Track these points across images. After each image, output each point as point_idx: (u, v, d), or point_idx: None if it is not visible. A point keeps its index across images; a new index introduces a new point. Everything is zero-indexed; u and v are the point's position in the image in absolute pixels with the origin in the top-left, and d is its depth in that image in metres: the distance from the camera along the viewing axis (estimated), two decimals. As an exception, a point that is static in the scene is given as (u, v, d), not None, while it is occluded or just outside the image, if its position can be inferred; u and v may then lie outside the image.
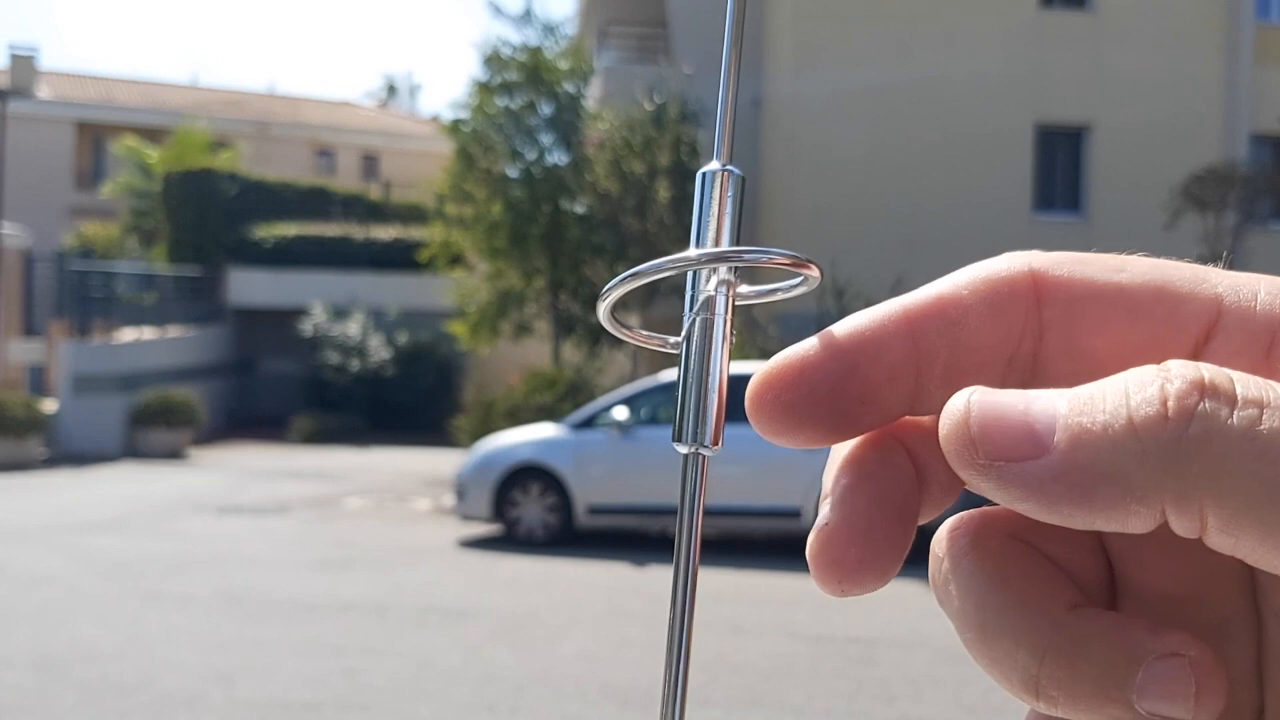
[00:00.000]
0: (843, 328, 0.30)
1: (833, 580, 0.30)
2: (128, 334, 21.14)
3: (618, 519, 10.46)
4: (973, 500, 0.31)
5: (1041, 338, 0.29)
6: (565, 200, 17.99)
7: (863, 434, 0.30)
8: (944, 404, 0.28)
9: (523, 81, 18.27)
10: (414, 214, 26.19)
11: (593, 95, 19.35)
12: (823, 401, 0.30)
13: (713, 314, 0.32)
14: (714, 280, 0.32)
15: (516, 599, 8.07)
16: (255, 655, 6.25)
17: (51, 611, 7.31)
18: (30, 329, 22.36)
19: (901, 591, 8.58)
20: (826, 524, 0.30)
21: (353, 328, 23.35)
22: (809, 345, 0.30)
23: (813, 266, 0.32)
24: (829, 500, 0.30)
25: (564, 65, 18.46)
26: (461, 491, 10.76)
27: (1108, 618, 0.30)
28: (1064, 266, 0.30)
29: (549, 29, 18.87)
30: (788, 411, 0.30)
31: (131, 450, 18.46)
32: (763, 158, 17.98)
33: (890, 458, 0.31)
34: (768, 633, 7.03)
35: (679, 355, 0.33)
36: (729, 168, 0.33)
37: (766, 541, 10.43)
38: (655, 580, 8.73)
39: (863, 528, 0.29)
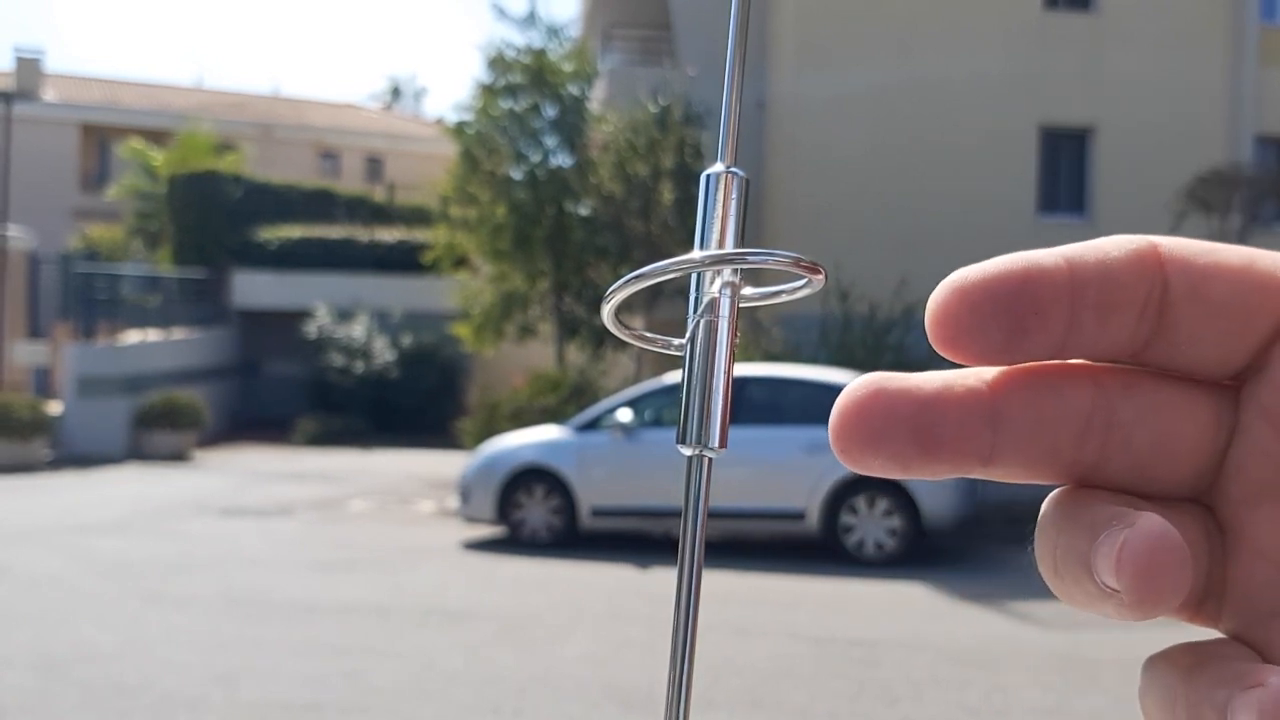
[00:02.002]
0: (1010, 255, 0.32)
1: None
2: (132, 336, 21.17)
3: (621, 521, 10.46)
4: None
5: (1167, 287, 0.31)
6: (569, 202, 18.00)
7: (1028, 360, 0.31)
8: (1100, 337, 0.31)
9: (527, 84, 18.28)
10: (418, 216, 26.20)
11: (596, 97, 19.35)
12: (1003, 307, 0.31)
13: (717, 316, 0.32)
14: (718, 282, 0.32)
15: (519, 600, 8.07)
16: (257, 656, 6.26)
17: (53, 612, 7.32)
18: (35, 331, 22.39)
19: (904, 593, 8.57)
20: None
21: (357, 330, 23.37)
22: (987, 263, 0.31)
23: (817, 268, 0.32)
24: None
25: (568, 67, 18.47)
26: (465, 493, 10.76)
27: (1101, 494, 0.32)
28: (1173, 239, 0.33)
29: (553, 31, 18.88)
30: (973, 311, 0.31)
31: (136, 452, 18.48)
32: (766, 160, 17.97)
33: None
34: (770, 634, 7.02)
35: (683, 357, 0.33)
36: (733, 170, 0.33)
37: (770, 543, 10.43)
38: (658, 582, 8.73)
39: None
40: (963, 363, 0.32)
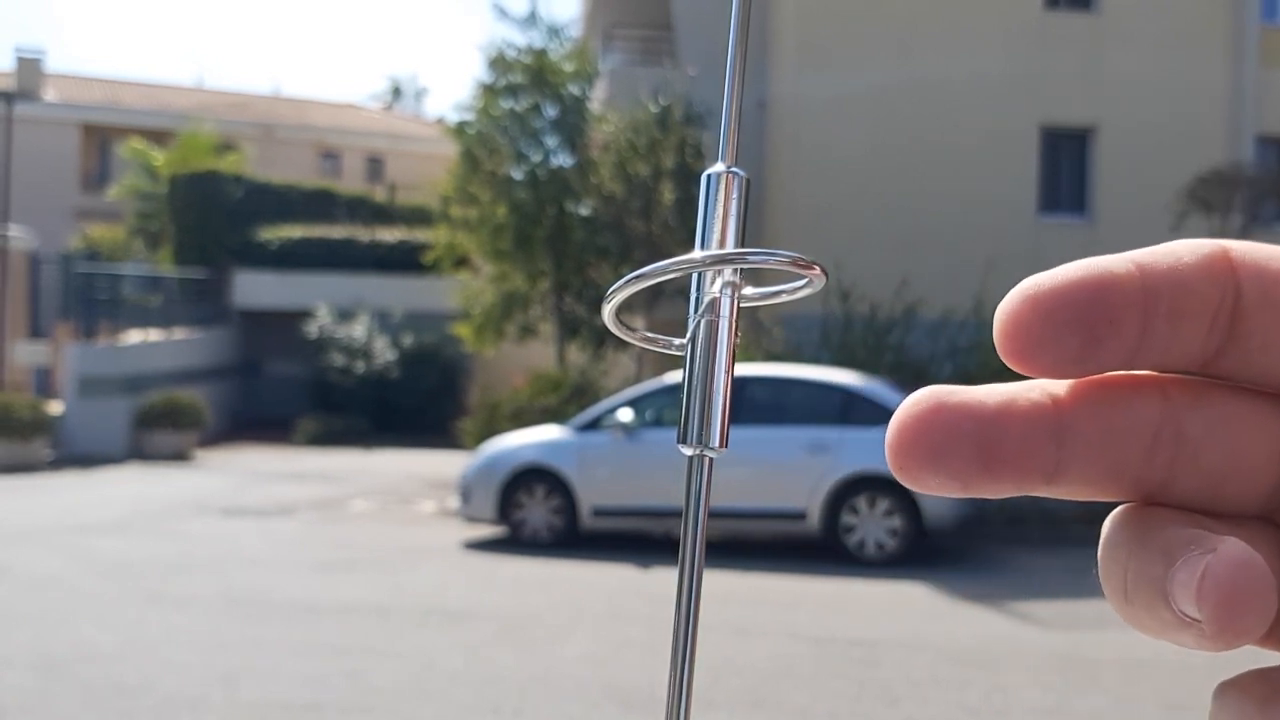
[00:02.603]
0: (1081, 261, 0.31)
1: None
2: (133, 336, 21.18)
3: (622, 521, 10.46)
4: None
5: (1240, 294, 0.30)
6: (570, 202, 17.99)
7: (1099, 372, 0.30)
8: (1171, 347, 0.30)
9: (527, 84, 18.28)
10: (419, 216, 26.22)
11: (597, 97, 19.35)
12: (1078, 316, 0.29)
13: (717, 316, 0.32)
14: (719, 282, 0.32)
15: (519, 600, 8.07)
16: (257, 656, 6.26)
17: (53, 612, 7.32)
18: (36, 331, 22.39)
19: (904, 593, 8.57)
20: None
21: (358, 330, 23.38)
22: (1059, 270, 0.30)
23: (817, 268, 0.32)
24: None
25: (569, 67, 18.47)
26: (466, 493, 10.76)
27: (1173, 513, 0.30)
28: (1245, 244, 0.32)
29: (554, 31, 18.88)
30: (1047, 320, 0.29)
31: (137, 452, 18.48)
32: (767, 159, 17.96)
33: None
34: (771, 634, 7.02)
35: (684, 357, 0.33)
36: (733, 170, 0.33)
37: (770, 543, 10.42)
38: (659, 582, 8.73)
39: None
40: (1033, 375, 0.30)
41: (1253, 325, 0.30)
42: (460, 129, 18.74)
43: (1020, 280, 0.31)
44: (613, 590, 8.48)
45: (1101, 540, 0.31)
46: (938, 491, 0.30)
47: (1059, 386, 0.31)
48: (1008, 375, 0.31)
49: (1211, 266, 0.30)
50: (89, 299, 21.23)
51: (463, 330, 19.31)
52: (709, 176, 0.33)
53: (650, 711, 5.32)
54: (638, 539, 10.42)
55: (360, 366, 23.12)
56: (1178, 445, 0.30)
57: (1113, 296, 0.29)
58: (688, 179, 16.43)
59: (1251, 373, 0.31)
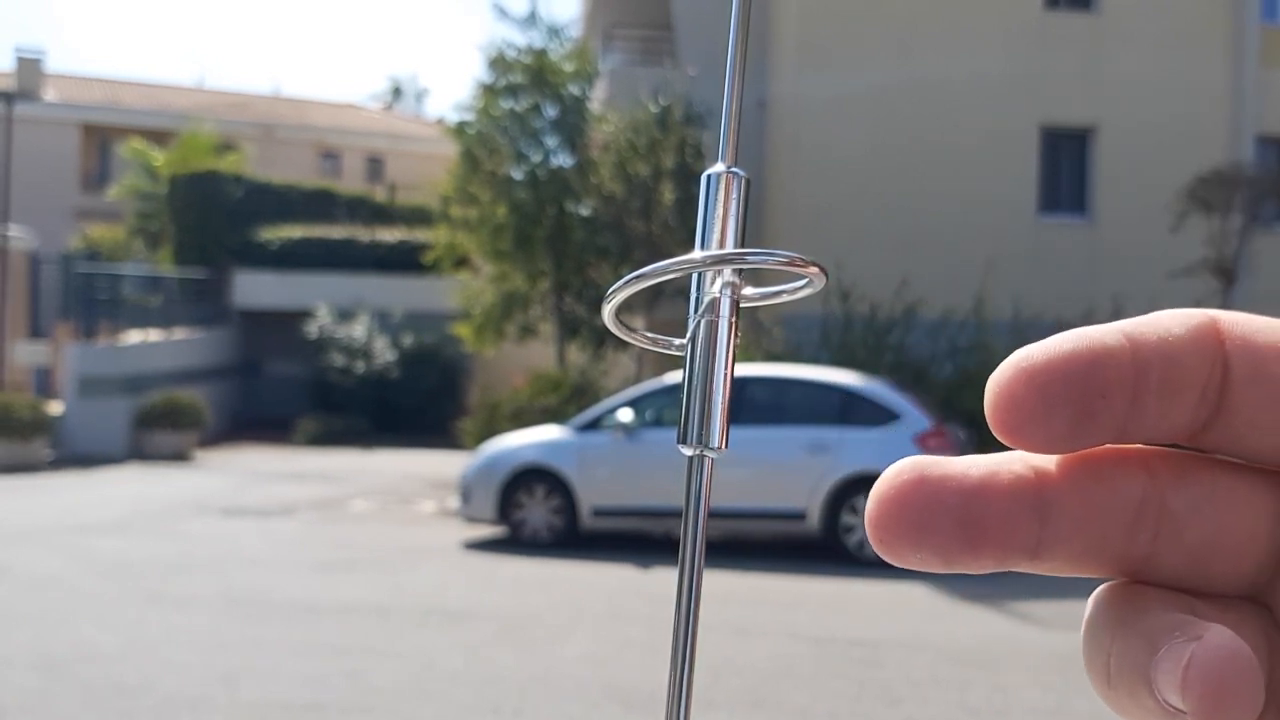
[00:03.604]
0: (1071, 333, 0.30)
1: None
2: (133, 336, 21.18)
3: (622, 521, 10.46)
4: None
5: (1228, 368, 0.30)
6: (570, 202, 17.99)
7: (1095, 442, 0.30)
8: (1159, 421, 0.29)
9: (527, 84, 18.28)
10: (419, 216, 26.22)
11: (597, 97, 19.35)
12: (1073, 391, 0.29)
13: (717, 316, 0.32)
14: (719, 282, 0.32)
15: (519, 600, 8.07)
16: (257, 656, 6.26)
17: (53, 612, 7.32)
18: (36, 331, 22.39)
19: (904, 593, 8.57)
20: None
21: (358, 330, 23.38)
22: (1051, 342, 0.30)
23: (817, 268, 0.32)
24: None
25: (569, 67, 18.47)
26: (466, 494, 10.76)
27: (1157, 595, 0.30)
28: (1233, 315, 0.31)
29: (554, 31, 18.89)
30: (1041, 396, 0.29)
31: (137, 452, 18.48)
32: (767, 159, 17.96)
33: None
34: (771, 634, 7.02)
35: (684, 357, 0.33)
36: (733, 170, 0.33)
37: (770, 543, 10.42)
38: (659, 582, 8.73)
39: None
40: (1024, 449, 0.30)
41: (1240, 399, 0.29)
42: (460, 129, 18.75)
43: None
44: (613, 590, 8.48)
45: (1084, 620, 0.31)
46: (919, 567, 0.30)
47: (1041, 460, 0.30)
48: None
49: (1200, 339, 0.30)
50: (89, 299, 21.23)
51: (463, 330, 19.31)
52: (709, 176, 0.33)
53: (650, 711, 5.32)
54: (638, 539, 10.42)
55: (360, 366, 23.12)
56: (1161, 521, 0.30)
57: (1105, 371, 0.29)
58: (688, 179, 16.43)
59: (1238, 447, 0.30)
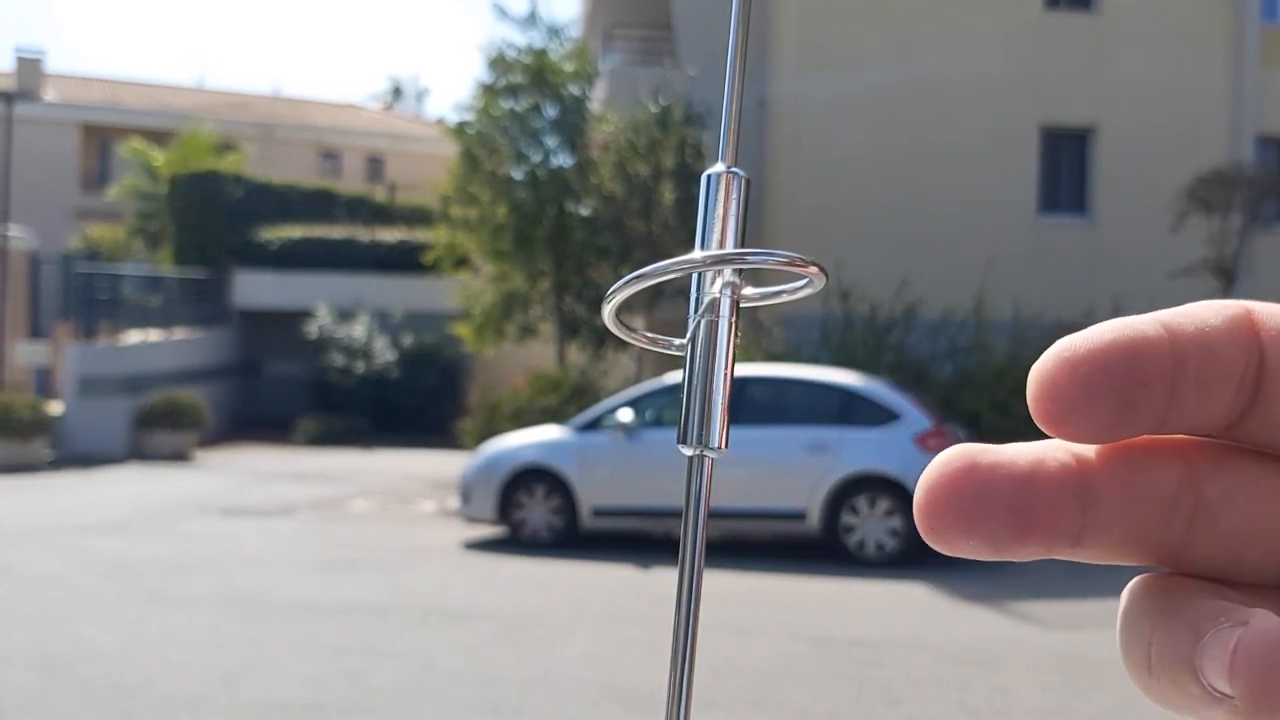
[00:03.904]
0: (1112, 323, 0.30)
1: None
2: (133, 336, 21.18)
3: (622, 521, 10.46)
4: None
5: (1264, 358, 0.30)
6: (570, 202, 17.99)
7: (1136, 432, 0.30)
8: (1197, 412, 0.29)
9: (527, 84, 18.28)
10: (419, 216, 26.22)
11: (597, 97, 19.35)
12: (1115, 382, 0.29)
13: (717, 316, 0.32)
14: (719, 282, 0.32)
15: (519, 600, 8.07)
16: (258, 656, 6.26)
17: (53, 612, 7.32)
18: (36, 331, 22.40)
19: (904, 593, 8.57)
20: None
21: (358, 330, 23.38)
22: (1092, 332, 0.30)
23: (817, 268, 0.32)
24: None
25: (569, 67, 18.47)
26: (466, 494, 10.76)
27: (1197, 584, 0.30)
28: (1267, 305, 0.31)
29: (554, 31, 18.88)
30: (1084, 386, 0.29)
31: (137, 452, 18.49)
32: (767, 159, 17.96)
33: None
34: (771, 634, 7.02)
35: (684, 357, 0.33)
36: (733, 170, 0.33)
37: (770, 543, 10.42)
38: (659, 582, 8.73)
39: None
40: (1067, 439, 0.30)
41: (1275, 390, 0.30)
42: (460, 129, 18.74)
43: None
44: (613, 590, 8.48)
45: (1121, 611, 0.31)
46: (968, 554, 0.30)
47: (1083, 449, 0.30)
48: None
49: (1236, 330, 0.30)
50: (89, 299, 21.23)
51: (463, 330, 19.31)
52: (709, 177, 0.33)
53: (650, 712, 5.32)
54: (638, 539, 10.42)
55: (360, 366, 23.12)
56: (1197, 509, 0.30)
57: (1146, 362, 0.29)
58: (688, 179, 16.43)
59: (1273, 438, 0.30)
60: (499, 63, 18.37)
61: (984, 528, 0.29)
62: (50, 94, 33.02)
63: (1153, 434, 0.30)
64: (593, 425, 10.66)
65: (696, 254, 0.32)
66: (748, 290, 0.33)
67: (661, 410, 10.57)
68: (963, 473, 0.29)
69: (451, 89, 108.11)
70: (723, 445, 0.32)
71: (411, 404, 23.04)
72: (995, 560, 0.30)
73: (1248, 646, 0.26)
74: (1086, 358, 0.29)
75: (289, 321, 24.31)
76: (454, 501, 12.09)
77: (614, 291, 0.32)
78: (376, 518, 12.33)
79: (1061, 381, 0.29)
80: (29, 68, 28.07)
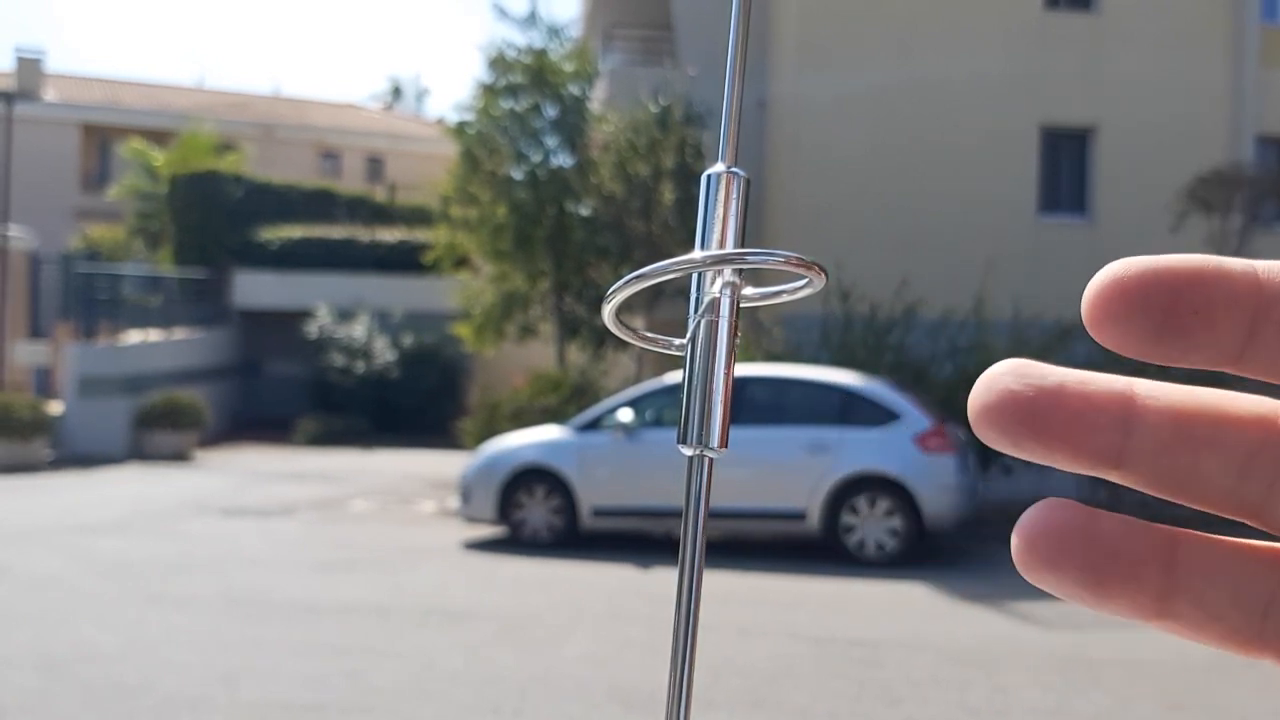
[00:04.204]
0: (1188, 255, 0.31)
1: None
2: (133, 336, 21.18)
3: (622, 521, 10.46)
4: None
5: None
6: (570, 202, 17.99)
7: (1194, 362, 0.31)
8: (1272, 358, 0.30)
9: (527, 84, 18.28)
10: (419, 216, 26.22)
11: (597, 97, 19.35)
12: (1156, 300, 0.30)
13: (718, 316, 0.32)
14: (719, 282, 0.32)
15: (519, 600, 8.07)
16: (258, 656, 6.26)
17: (54, 612, 7.32)
18: (36, 331, 22.40)
19: (904, 593, 8.57)
20: None
21: (358, 330, 23.38)
22: (1163, 256, 0.31)
23: (817, 268, 0.32)
24: None
25: (569, 67, 18.46)
26: (466, 494, 10.76)
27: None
28: None
29: (554, 31, 18.88)
30: (1123, 298, 0.30)
31: (137, 452, 18.48)
32: (767, 159, 17.96)
33: None
34: (771, 634, 7.02)
35: (684, 357, 0.33)
36: (733, 170, 0.33)
37: (770, 543, 10.42)
38: (659, 582, 8.73)
39: None
40: (1113, 349, 0.31)
41: None
42: (460, 129, 18.74)
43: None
44: (613, 590, 8.48)
45: None
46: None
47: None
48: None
49: None
50: (89, 299, 21.23)
51: (463, 330, 19.31)
52: (709, 176, 0.33)
53: (651, 712, 5.32)
54: (638, 539, 10.41)
55: (360, 366, 23.12)
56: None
57: (1211, 291, 0.30)
58: (688, 179, 16.42)
59: None
60: (499, 63, 18.37)
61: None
62: (50, 94, 33.02)
63: (1229, 368, 0.31)
64: (593, 425, 10.66)
65: (696, 254, 0.32)
66: (748, 290, 0.33)
67: (661, 410, 10.57)
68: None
69: (451, 89, 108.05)
70: (723, 445, 0.32)
71: (411, 404, 23.03)
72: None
73: (1025, 519, 0.30)
74: (1137, 273, 0.30)
75: (289, 321, 24.31)
76: (454, 501, 12.09)
77: (614, 291, 0.32)
78: (376, 518, 12.32)
79: (1105, 290, 0.30)
80: (29, 68, 28.07)
